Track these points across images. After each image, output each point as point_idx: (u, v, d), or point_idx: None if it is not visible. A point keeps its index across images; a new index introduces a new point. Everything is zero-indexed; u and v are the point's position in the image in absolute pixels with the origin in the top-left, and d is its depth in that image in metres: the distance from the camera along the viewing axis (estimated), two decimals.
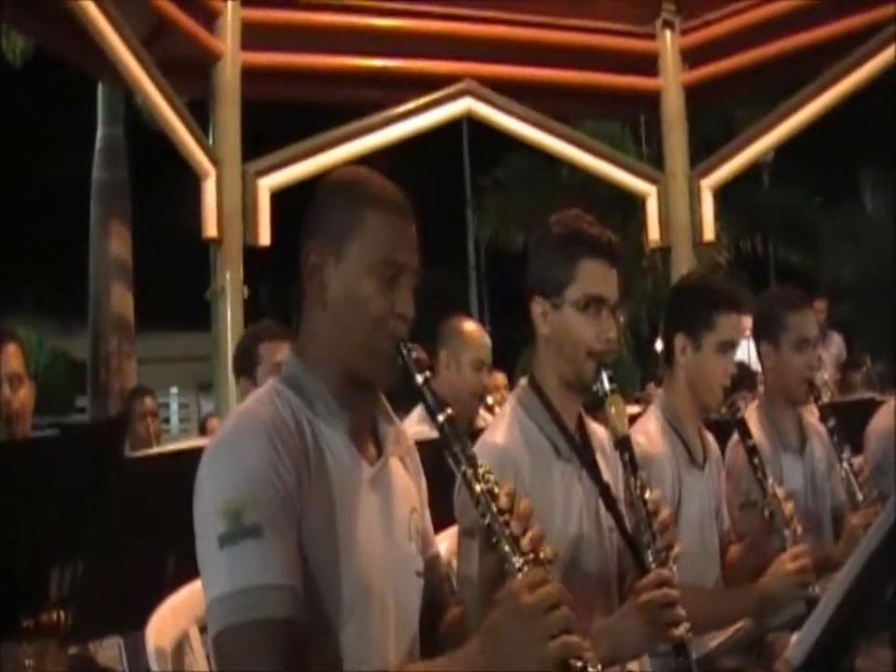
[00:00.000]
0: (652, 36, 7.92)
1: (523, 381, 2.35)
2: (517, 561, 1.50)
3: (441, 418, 1.60)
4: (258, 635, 1.46)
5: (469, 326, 3.95)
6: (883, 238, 16.13)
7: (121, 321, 10.32)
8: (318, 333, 1.71)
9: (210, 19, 7.05)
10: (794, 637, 1.46)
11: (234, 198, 6.96)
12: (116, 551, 2.29)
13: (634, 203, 9.61)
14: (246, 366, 3.58)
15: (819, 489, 3.24)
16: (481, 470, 1.57)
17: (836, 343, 8.16)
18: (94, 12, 5.91)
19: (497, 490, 1.56)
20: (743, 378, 3.30)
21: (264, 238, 7.06)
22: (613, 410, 2.14)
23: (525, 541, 1.52)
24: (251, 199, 7.03)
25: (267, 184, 7.12)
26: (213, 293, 6.98)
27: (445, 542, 2.40)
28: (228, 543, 1.50)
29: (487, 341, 3.93)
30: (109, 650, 3.03)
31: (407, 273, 1.70)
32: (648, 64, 7.92)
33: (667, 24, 7.84)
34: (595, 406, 2.28)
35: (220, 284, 6.93)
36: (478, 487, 1.55)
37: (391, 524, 1.73)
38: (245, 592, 1.48)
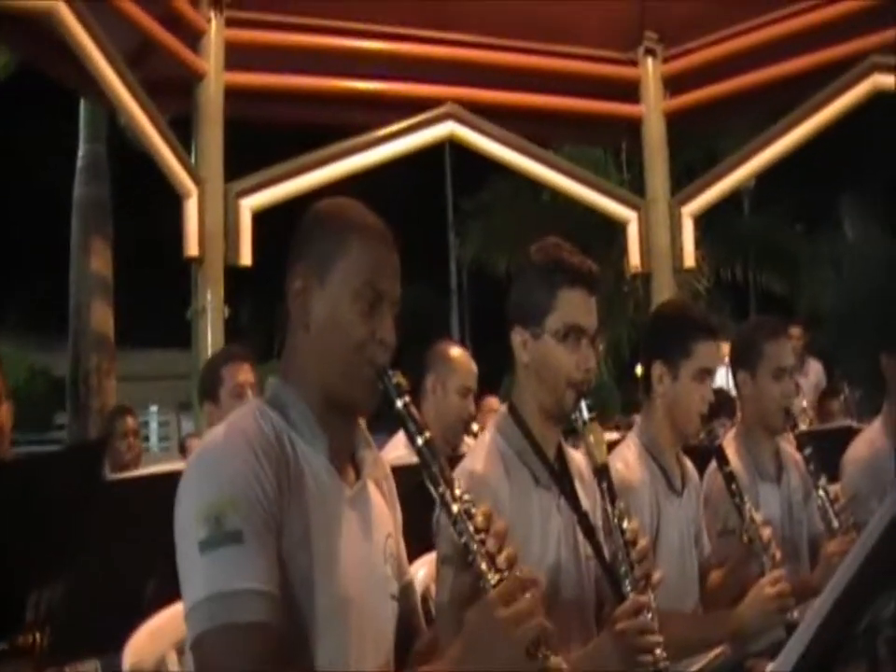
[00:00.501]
0: (634, 63, 7.97)
1: (502, 408, 2.36)
2: (492, 579, 1.52)
3: (419, 441, 1.62)
4: (237, 638, 1.48)
5: (457, 352, 3.96)
6: (863, 266, 16.26)
7: (102, 338, 10.29)
8: (301, 356, 1.74)
9: (194, 38, 7.04)
10: (770, 666, 1.47)
11: (216, 217, 6.94)
12: (95, 573, 2.28)
13: (615, 228, 9.67)
14: (210, 390, 3.62)
15: (796, 518, 3.26)
16: (458, 491, 1.60)
17: (815, 371, 8.20)
18: (78, 30, 5.90)
19: (473, 510, 1.58)
20: (721, 404, 3.32)
21: (245, 258, 7.04)
22: (592, 438, 2.16)
23: (500, 560, 1.54)
24: (233, 219, 7.01)
25: (249, 204, 7.10)
26: (194, 312, 6.96)
27: (423, 569, 2.40)
28: (208, 548, 1.51)
29: (474, 367, 3.94)
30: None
31: (388, 300, 1.73)
32: (630, 91, 7.97)
33: (649, 52, 7.89)
34: (574, 432, 2.29)
35: (201, 303, 6.90)
36: (455, 507, 1.58)
37: (368, 546, 1.76)
38: (225, 596, 1.49)
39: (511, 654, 1.45)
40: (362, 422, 1.84)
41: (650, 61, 7.91)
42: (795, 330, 7.81)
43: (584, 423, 2.18)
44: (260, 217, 7.15)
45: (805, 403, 6.66)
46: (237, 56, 7.14)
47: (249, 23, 7.19)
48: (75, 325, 10.39)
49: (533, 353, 2.27)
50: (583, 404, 2.19)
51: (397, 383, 1.67)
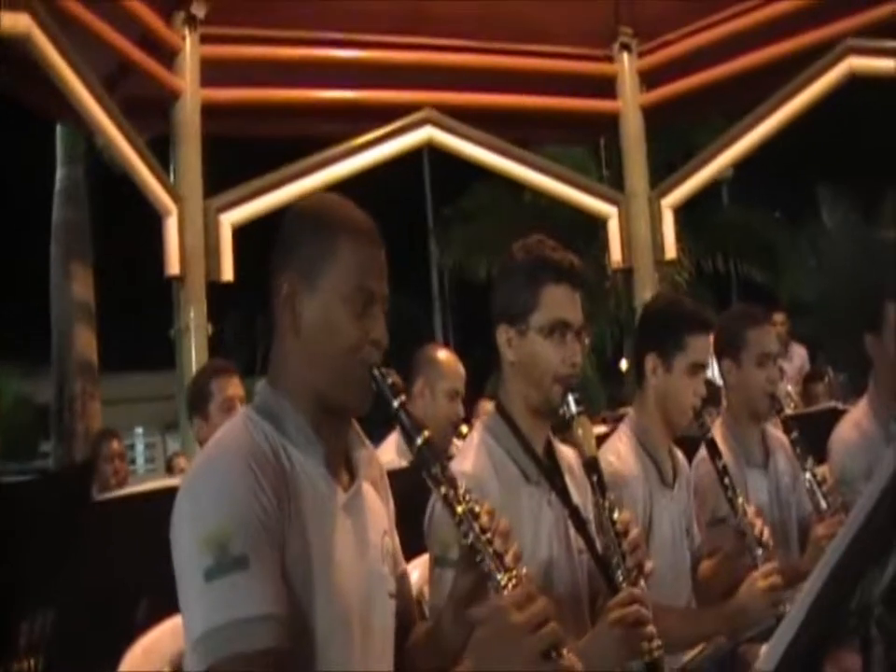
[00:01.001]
0: (610, 59, 8.02)
1: (490, 407, 2.36)
2: (502, 578, 1.52)
3: (419, 441, 1.61)
4: (248, 667, 1.46)
5: (444, 355, 3.96)
6: (844, 252, 16.33)
7: (85, 363, 10.24)
8: (291, 362, 1.71)
9: (169, 56, 7.05)
10: (764, 648, 1.47)
11: (197, 234, 6.96)
12: (86, 595, 2.27)
13: (595, 226, 9.69)
14: (198, 405, 3.61)
15: (785, 502, 3.27)
16: (461, 491, 1.59)
17: (799, 356, 8.22)
18: (53, 53, 5.89)
19: (478, 509, 1.58)
20: (709, 394, 3.32)
21: (227, 274, 7.04)
22: (581, 432, 2.16)
23: (508, 558, 1.54)
24: (213, 235, 7.02)
25: (229, 219, 7.12)
26: (177, 331, 6.95)
27: (417, 571, 2.40)
28: (215, 576, 1.48)
29: (461, 370, 3.93)
30: None
31: (379, 299, 1.72)
32: (606, 87, 8.02)
33: (624, 47, 7.94)
34: (563, 429, 2.30)
35: (184, 321, 6.90)
36: (460, 508, 1.57)
37: (365, 548, 1.74)
38: (235, 624, 1.47)
39: (526, 659, 1.44)
40: (354, 421, 1.82)
41: (625, 56, 7.97)
42: (779, 316, 7.84)
43: (573, 417, 2.17)
44: (241, 232, 7.15)
45: (790, 388, 6.69)
46: (213, 72, 7.15)
47: (224, 39, 7.21)
48: (57, 350, 10.34)
49: (519, 350, 2.27)
50: (571, 398, 2.19)
51: (392, 383, 1.65)
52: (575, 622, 2.24)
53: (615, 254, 7.85)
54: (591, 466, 2.14)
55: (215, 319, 7.03)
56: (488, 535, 1.55)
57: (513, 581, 1.52)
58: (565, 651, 1.48)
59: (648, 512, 2.68)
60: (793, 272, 16.28)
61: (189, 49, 7.07)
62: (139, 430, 23.77)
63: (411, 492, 2.27)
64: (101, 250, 11.02)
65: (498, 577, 1.52)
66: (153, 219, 6.92)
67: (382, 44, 7.53)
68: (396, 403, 1.64)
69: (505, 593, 1.51)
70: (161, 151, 7.05)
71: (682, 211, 8.48)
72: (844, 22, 7.08)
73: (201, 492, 1.56)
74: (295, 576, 1.58)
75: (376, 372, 1.66)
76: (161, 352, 7.84)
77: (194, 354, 6.74)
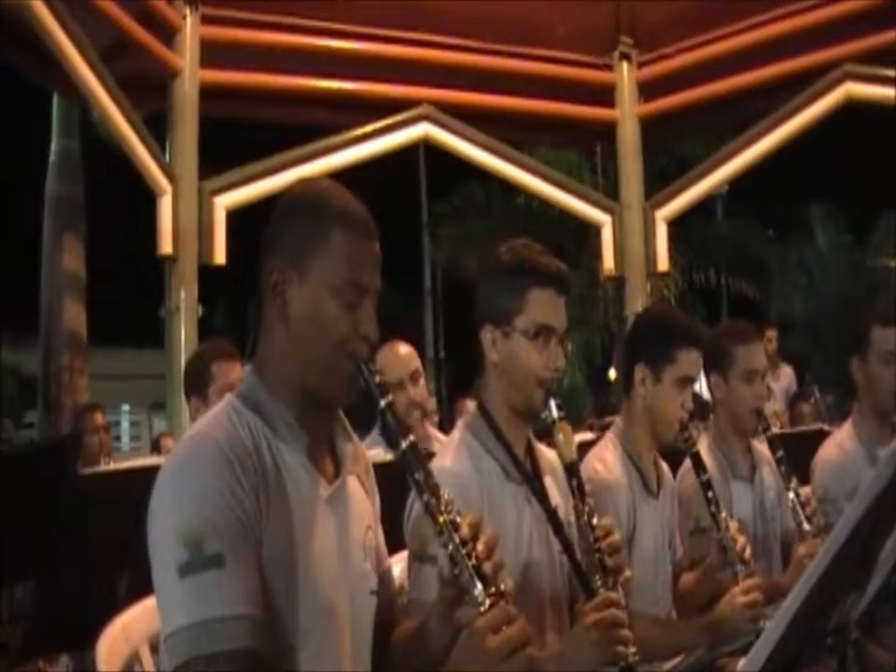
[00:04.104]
0: (610, 68, 8.01)
1: (472, 406, 2.36)
2: (479, 595, 1.51)
3: (403, 444, 1.60)
4: (221, 666, 1.45)
5: (386, 348, 3.89)
6: (834, 274, 16.43)
7: (74, 336, 10.15)
8: (278, 351, 1.69)
9: (169, 35, 7.01)
10: (741, 663, 1.48)
11: (190, 216, 6.91)
12: (67, 568, 2.26)
13: (587, 232, 9.69)
14: (198, 385, 3.55)
15: (769, 516, 3.29)
16: (443, 500, 1.58)
17: (786, 375, 8.26)
18: (53, 26, 5.85)
19: (459, 520, 1.56)
20: (696, 408, 3.34)
21: (220, 257, 7.01)
22: (561, 437, 2.17)
23: (486, 568, 1.52)
24: (207, 217, 6.98)
25: (223, 202, 7.08)
26: (167, 311, 6.92)
27: (399, 565, 2.40)
28: (189, 573, 1.47)
29: (402, 357, 3.87)
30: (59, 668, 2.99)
31: (370, 293, 1.70)
32: (604, 95, 8.01)
33: (624, 57, 7.94)
34: (545, 433, 2.30)
35: (175, 302, 6.86)
36: (441, 518, 1.56)
37: (348, 544, 1.73)
38: (206, 623, 1.46)
39: None
40: (341, 413, 1.80)
41: (624, 65, 7.96)
42: (770, 333, 7.89)
43: (554, 421, 2.18)
44: (235, 216, 7.13)
45: (777, 407, 6.72)
46: (212, 54, 7.12)
47: (225, 21, 7.16)
48: (46, 322, 10.26)
49: (503, 352, 2.28)
50: (553, 403, 2.20)
51: (380, 382, 1.64)
52: (554, 623, 2.25)
53: (608, 262, 7.84)
54: (571, 470, 2.15)
55: (206, 301, 6.99)
56: (467, 548, 1.54)
57: (491, 597, 1.51)
58: None
59: (631, 521, 2.69)
60: (784, 289, 16.37)
61: (190, 28, 7.02)
62: (125, 407, 23.69)
63: (396, 486, 2.28)
64: (94, 226, 10.94)
65: (475, 592, 1.51)
66: (148, 197, 6.89)
67: (383, 37, 7.50)
68: (383, 403, 1.62)
69: (482, 610, 1.50)
70: (157, 131, 7.02)
71: (676, 224, 8.50)
72: (842, 47, 7.09)
73: (178, 485, 1.54)
74: (276, 571, 1.57)
75: (364, 368, 1.64)
76: (151, 330, 7.81)
77: (184, 335, 6.71)
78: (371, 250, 1.72)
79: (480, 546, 1.54)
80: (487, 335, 2.30)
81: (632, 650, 1.99)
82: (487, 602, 1.50)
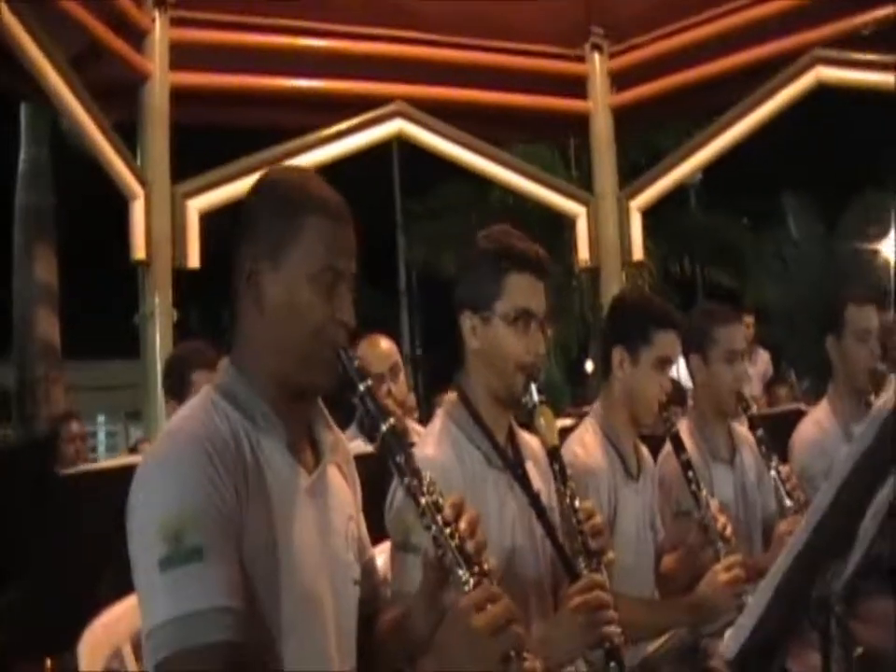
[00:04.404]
0: (581, 59, 8.01)
1: (452, 395, 2.35)
2: (463, 574, 1.49)
3: (384, 427, 1.58)
4: (203, 660, 1.43)
5: (366, 342, 3.92)
6: (808, 262, 16.54)
7: (48, 347, 10.11)
8: (255, 342, 1.67)
9: (138, 38, 6.97)
10: (727, 633, 1.48)
11: (163, 220, 6.87)
12: (47, 570, 2.24)
13: (562, 226, 9.70)
14: (178, 390, 3.53)
15: (750, 499, 3.30)
16: (425, 482, 1.57)
17: (763, 361, 8.29)
18: (20, 31, 5.81)
19: (441, 501, 1.55)
20: (674, 395, 3.35)
21: (193, 260, 6.97)
22: (543, 421, 2.16)
23: (471, 550, 1.51)
24: (180, 221, 6.95)
25: (196, 205, 7.04)
26: (142, 317, 6.88)
27: (382, 556, 2.39)
28: (169, 567, 1.45)
29: (383, 352, 3.92)
30: None
31: (346, 279, 1.68)
32: (577, 87, 8.01)
33: (596, 48, 7.93)
34: (526, 418, 2.29)
35: (149, 307, 6.82)
36: (423, 500, 1.54)
37: (329, 534, 1.71)
38: (188, 617, 1.44)
39: (488, 663, 1.41)
40: (320, 402, 1.79)
41: (596, 56, 7.95)
42: (748, 319, 7.93)
43: (535, 406, 2.17)
44: (208, 219, 7.09)
45: (754, 391, 6.75)
46: (182, 56, 7.08)
47: (194, 23, 7.12)
48: (19, 334, 10.21)
49: (482, 337, 2.27)
50: (533, 387, 2.19)
51: (359, 366, 1.62)
52: (538, 609, 2.24)
53: (583, 253, 7.84)
54: (553, 454, 2.15)
55: (181, 306, 6.95)
56: (451, 528, 1.53)
57: (475, 577, 1.49)
58: (526, 654, 1.46)
59: (612, 504, 2.69)
60: (759, 277, 16.45)
61: (159, 31, 6.98)
62: (101, 418, 23.52)
63: (377, 476, 2.26)
64: (65, 237, 10.86)
65: (460, 573, 1.50)
66: (118, 205, 6.85)
67: (354, 35, 7.47)
68: (362, 387, 1.61)
69: (466, 589, 1.48)
70: (128, 136, 6.98)
71: (650, 214, 8.52)
72: (813, 32, 7.12)
73: (157, 479, 1.53)
74: (257, 563, 1.55)
75: (342, 354, 1.62)
76: (124, 341, 7.74)
77: (158, 340, 6.66)
78: (346, 236, 1.71)
79: (462, 526, 1.53)
80: (467, 322, 2.29)
81: (617, 631, 1.98)
82: (472, 582, 1.48)
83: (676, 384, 5.32)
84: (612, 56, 7.99)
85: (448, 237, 15.21)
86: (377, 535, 2.25)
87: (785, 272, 17.31)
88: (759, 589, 1.45)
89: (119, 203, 6.83)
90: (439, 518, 1.53)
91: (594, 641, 1.98)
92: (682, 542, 2.79)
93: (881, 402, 1.38)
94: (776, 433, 3.28)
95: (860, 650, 2.59)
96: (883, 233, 17.23)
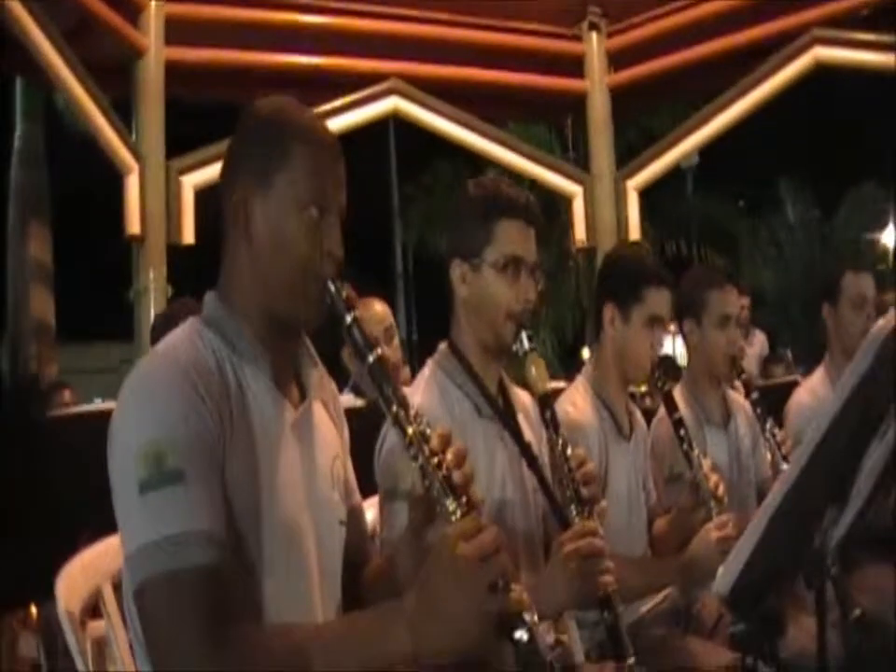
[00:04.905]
0: (579, 38, 7.97)
1: (442, 346, 2.32)
2: (450, 504, 1.46)
3: (371, 358, 1.55)
4: (184, 584, 1.40)
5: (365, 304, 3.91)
6: (803, 247, 16.55)
7: (42, 325, 10.05)
8: (242, 273, 1.65)
9: (134, 13, 6.94)
10: (720, 570, 1.46)
11: (158, 195, 6.85)
12: (31, 515, 2.21)
13: (557, 208, 9.66)
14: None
15: (744, 465, 3.27)
16: (412, 412, 1.53)
17: (759, 342, 8.27)
18: (16, 7, 5.78)
19: (429, 432, 1.52)
20: (667, 369, 3.32)
21: (188, 236, 6.95)
22: (534, 369, 2.13)
23: (456, 477, 1.48)
24: (175, 196, 6.92)
25: (191, 181, 7.01)
26: (136, 292, 6.84)
27: (371, 510, 2.36)
28: (149, 489, 1.42)
29: (379, 315, 3.96)
30: None
31: (335, 210, 1.66)
32: (574, 66, 7.97)
33: (593, 27, 7.90)
34: (517, 368, 2.26)
35: (143, 283, 6.80)
36: (410, 429, 1.51)
37: (314, 470, 1.68)
38: (168, 540, 1.41)
39: (473, 593, 1.36)
40: (307, 339, 1.76)
41: (594, 36, 7.92)
42: (744, 300, 7.91)
43: (525, 353, 2.14)
44: (203, 195, 7.06)
45: (751, 371, 6.73)
46: (178, 32, 7.05)
47: None
48: (13, 313, 10.16)
49: (472, 286, 2.24)
50: (524, 335, 2.15)
51: (346, 296, 1.59)
52: (529, 564, 2.21)
53: (579, 233, 7.82)
54: (544, 402, 2.11)
55: (175, 282, 6.91)
56: (438, 458, 1.49)
57: (463, 507, 1.46)
58: (514, 585, 1.41)
59: (603, 463, 2.66)
60: (754, 260, 16.43)
61: (155, 6, 6.95)
62: (98, 401, 23.52)
63: (367, 432, 2.24)
64: (60, 219, 10.80)
65: (447, 502, 1.46)
66: (116, 186, 6.82)
67: (350, 11, 7.43)
68: (349, 318, 1.58)
69: (454, 520, 1.44)
70: (123, 113, 6.95)
71: (647, 197, 8.48)
72: (811, 12, 7.09)
73: (139, 402, 1.50)
74: (238, 495, 1.52)
75: (330, 285, 1.59)
76: (119, 323, 7.70)
77: (153, 315, 6.62)
78: (335, 167, 1.68)
79: (449, 457, 1.50)
80: (456, 270, 2.26)
81: (611, 579, 1.96)
82: (459, 513, 1.46)
83: (670, 359, 5.33)
84: (610, 35, 7.96)
85: (443, 217, 15.06)
86: (366, 491, 2.23)
87: (780, 257, 17.30)
88: (751, 524, 1.42)
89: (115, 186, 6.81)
90: (426, 448, 1.50)
91: (586, 590, 1.94)
92: (674, 506, 2.77)
93: (879, 325, 1.35)
94: (772, 405, 3.26)
95: (857, 611, 2.59)
96: (882, 224, 17.25)
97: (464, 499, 1.47)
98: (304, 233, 1.61)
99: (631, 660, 1.98)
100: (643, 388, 4.33)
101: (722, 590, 1.42)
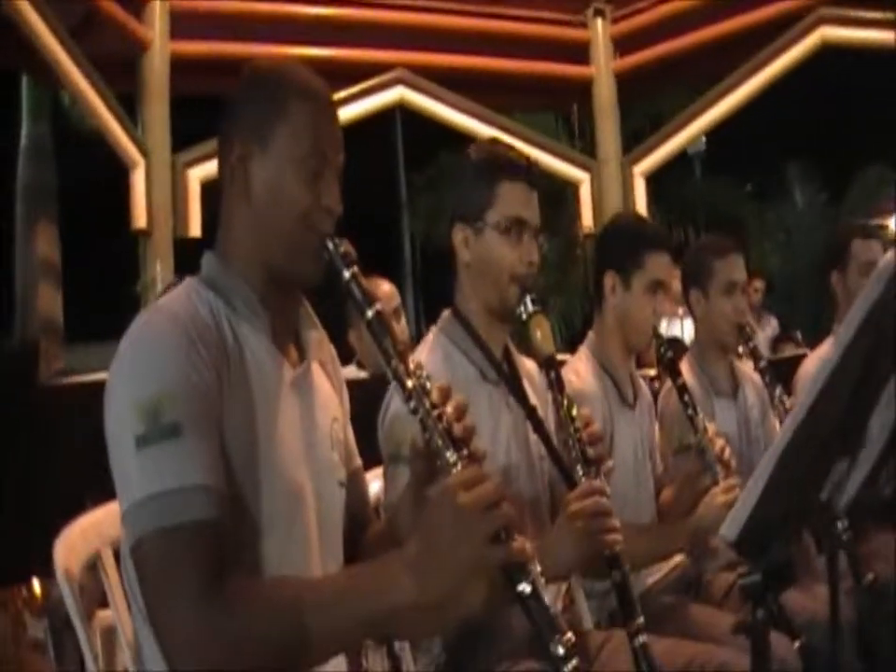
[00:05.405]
0: (584, 25, 7.97)
1: (445, 312, 2.30)
2: (451, 457, 1.44)
3: (369, 314, 1.53)
4: (181, 539, 1.37)
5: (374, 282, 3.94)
6: (813, 233, 16.45)
7: (50, 322, 10.03)
8: (240, 230, 1.63)
9: (138, 7, 6.96)
10: (728, 515, 1.43)
11: (164, 189, 6.89)
12: (29, 486, 2.19)
13: (564, 197, 9.63)
14: None
15: (753, 435, 3.24)
16: (412, 365, 1.52)
17: (771, 326, 8.27)
18: (21, 2, 5.80)
19: (429, 386, 1.50)
20: (675, 351, 3.29)
21: (195, 229, 6.97)
22: (538, 331, 2.11)
23: (457, 430, 1.46)
24: (181, 190, 6.94)
25: (197, 175, 7.02)
26: (143, 285, 6.84)
27: (376, 481, 2.34)
28: (145, 444, 1.40)
29: (387, 292, 4.00)
30: None
31: (333, 167, 1.64)
32: (579, 53, 7.97)
33: (598, 13, 7.90)
34: (521, 331, 2.24)
35: (150, 276, 6.80)
36: (409, 382, 1.49)
37: (313, 430, 1.66)
38: (165, 495, 1.38)
39: (475, 543, 1.33)
40: (306, 301, 1.74)
41: (599, 22, 7.92)
42: (757, 283, 7.92)
43: (530, 316, 2.12)
44: (210, 188, 7.06)
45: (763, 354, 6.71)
46: (183, 25, 7.06)
47: None
48: (21, 311, 10.15)
49: (475, 249, 2.22)
50: (528, 298, 2.13)
51: (344, 252, 1.56)
52: (536, 528, 2.19)
53: (586, 219, 7.83)
54: (549, 363, 2.08)
55: (182, 275, 6.89)
56: (438, 410, 1.47)
57: (464, 460, 1.44)
58: (517, 536, 1.38)
59: (609, 431, 2.63)
60: (762, 246, 16.31)
61: (159, 0, 6.96)
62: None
63: (371, 403, 2.22)
64: (68, 216, 10.79)
65: (447, 454, 1.44)
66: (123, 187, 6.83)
67: (355, 2, 7.45)
68: (347, 274, 1.55)
69: (454, 472, 1.42)
70: (129, 108, 6.96)
71: (655, 183, 8.44)
72: None
73: (135, 357, 1.48)
74: (236, 452, 1.50)
75: (329, 242, 1.57)
76: (126, 323, 7.68)
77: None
78: (332, 123, 1.68)
79: (449, 409, 1.48)
80: (458, 234, 2.24)
81: (618, 538, 1.93)
82: (460, 465, 1.44)
83: (678, 341, 5.30)
84: (615, 21, 7.96)
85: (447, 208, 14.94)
86: (369, 464, 2.21)
87: (788, 242, 17.19)
88: (758, 468, 1.40)
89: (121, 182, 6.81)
90: (426, 401, 1.48)
91: (593, 549, 1.92)
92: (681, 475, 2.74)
93: (889, 255, 1.31)
94: (781, 377, 3.24)
95: (871, 576, 2.56)
96: (890, 209, 17.14)
97: (465, 452, 1.45)
98: (303, 188, 1.60)
99: (640, 619, 1.95)
100: (652, 372, 4.30)
101: (729, 535, 1.39)
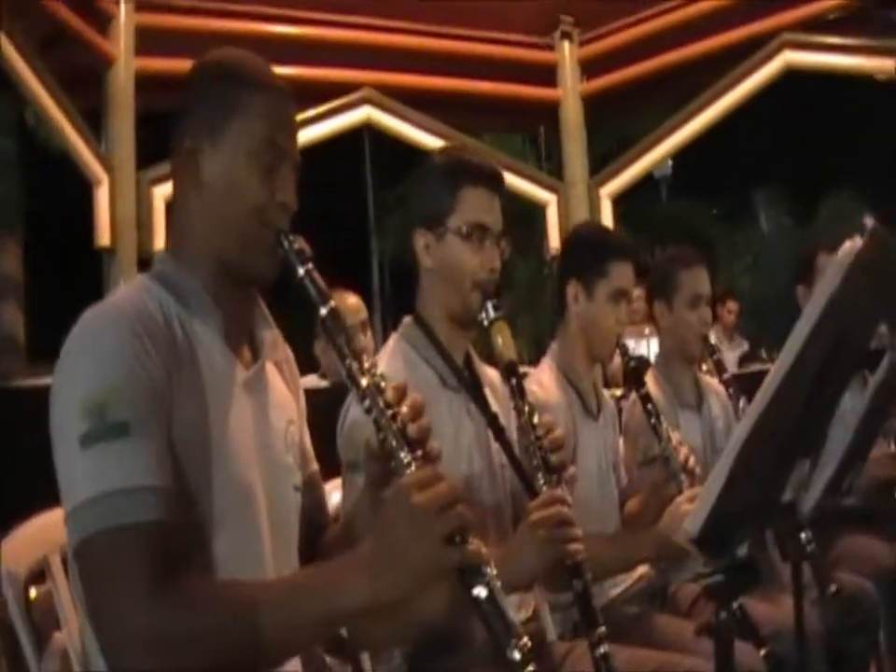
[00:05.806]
0: (551, 48, 7.98)
1: (407, 319, 2.28)
2: (405, 457, 1.41)
3: (324, 311, 1.50)
4: (127, 540, 1.33)
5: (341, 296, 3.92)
6: (780, 254, 16.63)
7: (12, 341, 9.93)
8: (192, 225, 1.59)
9: (103, 22, 6.89)
10: (691, 510, 1.41)
11: (128, 206, 6.78)
12: None
13: (534, 217, 9.64)
14: None
15: (718, 446, 3.23)
16: (366, 364, 1.49)
17: (742, 348, 8.36)
18: None
19: (383, 385, 1.47)
20: (639, 368, 3.27)
21: (159, 247, 6.87)
22: (500, 337, 2.08)
23: (412, 430, 1.43)
24: (146, 207, 6.85)
25: (162, 192, 6.92)
26: None
27: (336, 492, 2.30)
28: (91, 443, 1.36)
29: (352, 305, 4.01)
30: None
31: (289, 160, 1.61)
32: (547, 75, 7.98)
33: (566, 36, 7.90)
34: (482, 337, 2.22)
35: None
36: (363, 381, 1.46)
37: (267, 432, 1.62)
38: (110, 495, 1.34)
39: (429, 543, 1.31)
40: (261, 300, 1.71)
41: (566, 44, 7.93)
42: (731, 304, 7.99)
43: (491, 322, 2.10)
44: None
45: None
46: (148, 41, 7.00)
47: (161, 7, 7.03)
48: None
49: (436, 255, 2.20)
50: (490, 304, 2.11)
51: (298, 248, 1.53)
52: (498, 536, 2.16)
53: (553, 241, 7.81)
54: (510, 370, 2.06)
55: None
56: (393, 410, 1.44)
57: (418, 461, 1.41)
58: (472, 539, 1.35)
59: (573, 442, 2.61)
60: (729, 269, 16.48)
61: (125, 15, 6.91)
62: None
63: (329, 412, 2.18)
64: (33, 233, 10.72)
65: (402, 455, 1.41)
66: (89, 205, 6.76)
67: (322, 21, 7.41)
68: (302, 271, 1.51)
69: (408, 473, 1.39)
70: (93, 124, 6.89)
71: (622, 205, 8.46)
72: (781, 17, 7.12)
73: (80, 354, 1.43)
74: (187, 451, 1.46)
75: (283, 237, 1.54)
76: None
77: None
78: (288, 115, 1.65)
79: (405, 409, 1.45)
80: (420, 240, 2.22)
81: (580, 547, 1.91)
82: (414, 465, 1.40)
83: (644, 360, 5.30)
84: (582, 44, 7.96)
85: None
86: (328, 474, 2.17)
87: (755, 265, 17.38)
88: (719, 463, 1.38)
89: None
90: (380, 400, 1.45)
91: (554, 558, 1.89)
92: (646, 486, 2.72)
93: (844, 250, 1.30)
94: (746, 391, 3.23)
95: (834, 587, 2.55)
96: (857, 235, 17.29)
97: (419, 452, 1.42)
98: (257, 180, 1.57)
99: (602, 629, 1.92)
100: (619, 392, 4.30)
101: (692, 530, 1.37)
